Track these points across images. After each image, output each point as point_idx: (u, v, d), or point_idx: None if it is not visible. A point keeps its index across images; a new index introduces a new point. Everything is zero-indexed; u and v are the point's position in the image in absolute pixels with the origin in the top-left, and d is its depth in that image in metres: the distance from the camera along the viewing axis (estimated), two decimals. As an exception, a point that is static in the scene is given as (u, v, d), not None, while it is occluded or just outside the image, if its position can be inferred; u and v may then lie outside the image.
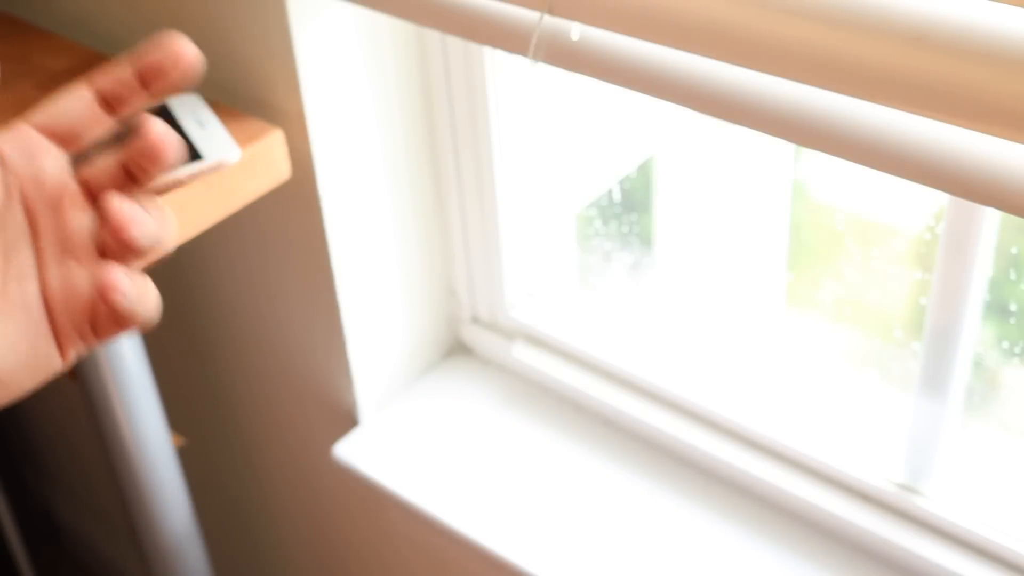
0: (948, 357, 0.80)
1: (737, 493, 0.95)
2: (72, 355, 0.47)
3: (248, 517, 1.37)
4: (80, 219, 0.46)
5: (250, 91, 0.91)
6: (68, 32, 1.04)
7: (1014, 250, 0.79)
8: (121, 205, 0.44)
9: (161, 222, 0.46)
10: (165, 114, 0.88)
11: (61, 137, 0.46)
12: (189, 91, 0.92)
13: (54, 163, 0.46)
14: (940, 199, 0.79)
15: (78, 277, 0.46)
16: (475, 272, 1.05)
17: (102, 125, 0.46)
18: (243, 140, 0.86)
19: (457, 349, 1.12)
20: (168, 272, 1.15)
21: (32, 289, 0.45)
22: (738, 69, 0.63)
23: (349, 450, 1.04)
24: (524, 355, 1.04)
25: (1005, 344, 0.84)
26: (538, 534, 0.94)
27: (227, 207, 0.86)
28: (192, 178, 0.83)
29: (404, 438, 1.04)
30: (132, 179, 0.46)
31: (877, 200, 0.88)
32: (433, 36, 0.93)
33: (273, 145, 0.88)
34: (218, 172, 0.84)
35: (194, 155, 0.84)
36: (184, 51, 0.45)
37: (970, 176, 0.57)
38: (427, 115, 0.98)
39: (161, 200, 0.46)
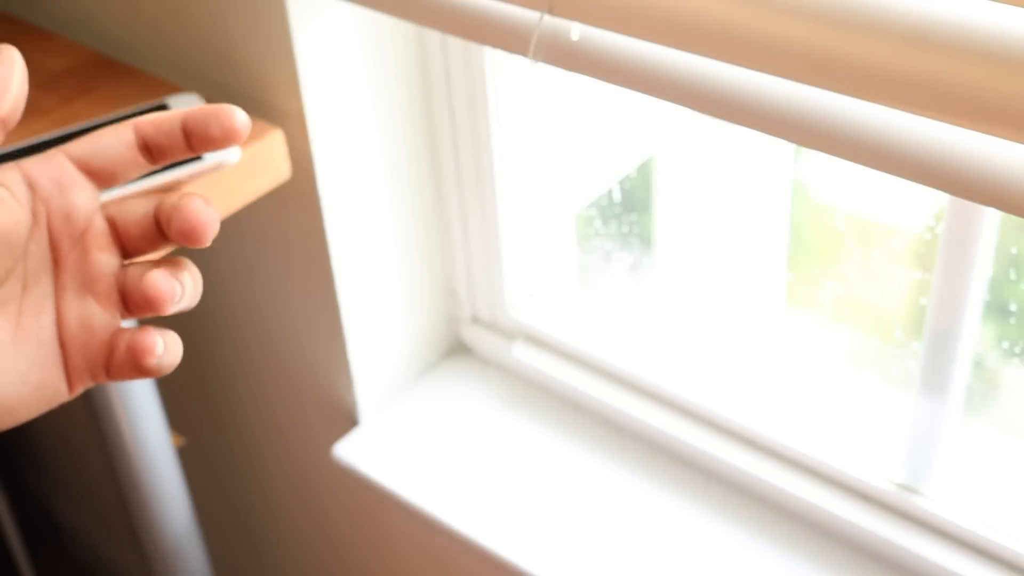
0: (948, 357, 0.80)
1: (737, 493, 0.95)
2: (80, 389, 0.47)
3: (248, 517, 1.37)
4: (105, 260, 0.46)
5: (250, 91, 0.91)
6: (68, 32, 1.04)
7: (1014, 250, 0.79)
8: (159, 280, 0.45)
9: (194, 288, 0.47)
10: (165, 114, 0.88)
11: (96, 173, 0.45)
12: (189, 91, 0.92)
13: (85, 199, 0.45)
14: (940, 199, 0.79)
15: (96, 317, 0.46)
16: (475, 272, 1.05)
17: (138, 169, 0.46)
18: (243, 140, 0.86)
19: (457, 349, 1.12)
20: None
21: (48, 322, 0.45)
22: (738, 69, 0.63)
23: (349, 450, 1.04)
24: (524, 355, 1.04)
25: (1005, 344, 0.84)
26: (538, 534, 0.94)
27: (227, 207, 0.86)
28: (192, 178, 0.83)
29: (404, 438, 1.04)
30: (163, 235, 0.46)
31: (877, 200, 0.88)
32: (433, 36, 0.93)
33: (273, 145, 0.88)
34: (218, 172, 0.84)
35: (194, 155, 0.84)
36: (235, 119, 0.45)
37: (970, 176, 0.57)
38: (427, 115, 0.98)
39: (191, 267, 0.47)
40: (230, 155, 0.84)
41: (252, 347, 1.14)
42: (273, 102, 0.90)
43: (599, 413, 1.02)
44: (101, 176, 0.46)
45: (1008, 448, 0.86)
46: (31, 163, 0.45)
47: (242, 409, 1.23)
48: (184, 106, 0.88)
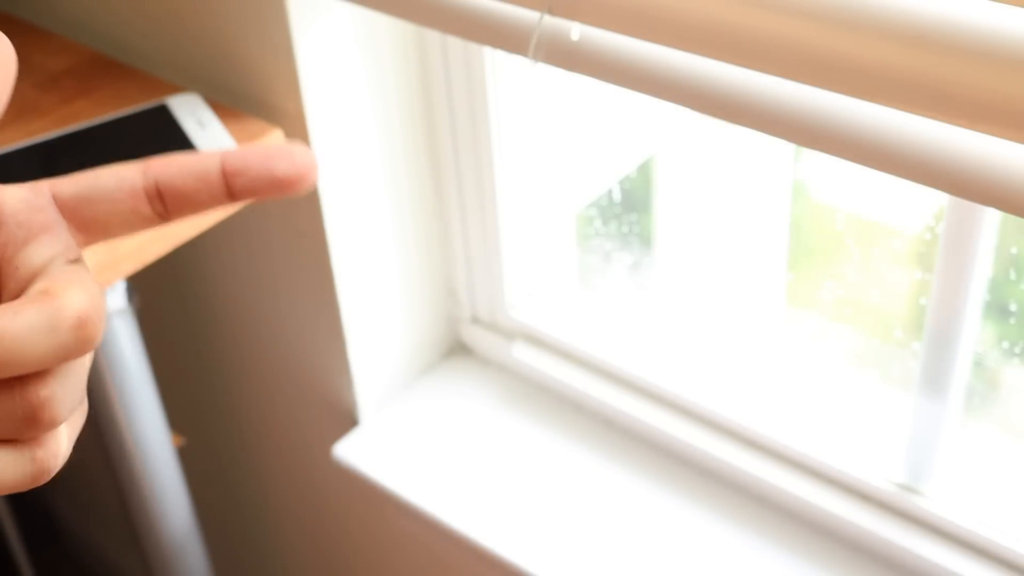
0: (948, 357, 0.80)
1: (737, 493, 0.95)
2: None
3: (248, 517, 1.37)
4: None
5: (250, 91, 0.91)
6: (68, 32, 1.04)
7: (1014, 250, 0.79)
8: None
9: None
10: (165, 114, 0.88)
11: (84, 224, 0.36)
12: (189, 91, 0.92)
13: (47, 254, 0.35)
14: (940, 199, 0.79)
15: None
16: (475, 272, 1.05)
17: (140, 225, 0.37)
18: (243, 140, 0.86)
19: (457, 349, 1.12)
20: (168, 272, 1.15)
21: None
22: (738, 69, 0.63)
23: (349, 450, 1.04)
24: (524, 355, 1.04)
25: (1005, 344, 0.84)
26: (538, 534, 0.94)
27: (227, 207, 0.86)
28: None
29: (404, 438, 1.04)
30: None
31: (877, 200, 0.88)
32: (433, 36, 0.93)
33: (273, 145, 0.88)
34: (218, 172, 0.84)
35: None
36: (306, 157, 0.35)
37: (970, 176, 0.57)
38: (427, 115, 0.98)
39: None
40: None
41: (252, 347, 1.14)
42: (273, 102, 0.90)
43: (599, 413, 1.02)
44: (90, 228, 0.36)
45: (1008, 448, 0.86)
46: (10, 194, 0.36)
47: (242, 409, 1.23)
48: (184, 106, 0.89)
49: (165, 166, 0.36)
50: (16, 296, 0.35)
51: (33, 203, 0.36)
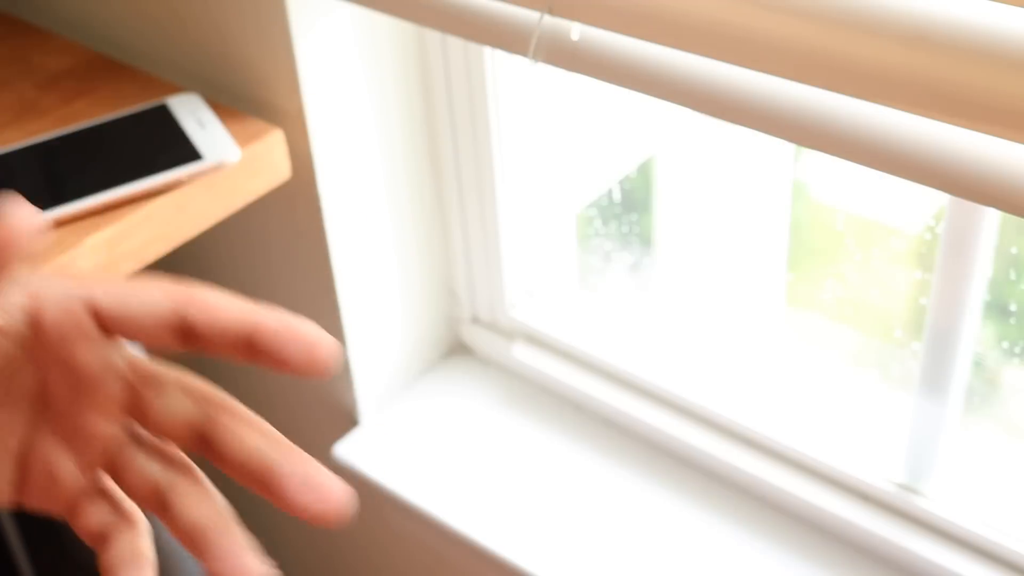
0: (948, 357, 0.80)
1: (737, 493, 0.95)
2: (18, 507, 0.41)
3: (248, 517, 1.37)
4: (102, 427, 0.39)
5: (250, 91, 0.91)
6: (68, 32, 1.04)
7: (1014, 250, 0.79)
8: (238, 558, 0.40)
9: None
10: (165, 114, 0.88)
11: (114, 331, 0.38)
12: (189, 91, 0.92)
13: (96, 358, 0.38)
14: (940, 199, 0.79)
15: (66, 473, 0.40)
16: (475, 272, 1.05)
17: (161, 348, 0.39)
18: (243, 140, 0.86)
19: (457, 349, 1.12)
20: (168, 272, 1.15)
21: (11, 442, 0.39)
22: (738, 69, 0.63)
23: (349, 450, 1.04)
24: (524, 355, 1.04)
25: (1005, 344, 0.84)
26: (538, 534, 0.94)
27: (227, 207, 0.86)
28: (192, 178, 0.83)
29: (404, 438, 1.04)
30: (209, 446, 0.40)
31: (877, 200, 0.88)
32: (433, 36, 0.93)
33: (273, 145, 0.88)
34: (218, 172, 0.84)
35: (194, 155, 0.84)
36: (322, 349, 0.37)
37: (970, 176, 0.57)
38: (427, 115, 0.98)
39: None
40: (230, 155, 0.84)
41: (252, 347, 1.14)
42: (273, 102, 0.90)
43: (599, 413, 1.02)
44: (122, 334, 0.39)
45: (1008, 448, 0.86)
46: (48, 302, 0.37)
47: (242, 409, 1.23)
48: (185, 106, 0.88)
49: (199, 314, 0.38)
50: (81, 394, 0.38)
51: (72, 316, 0.37)
